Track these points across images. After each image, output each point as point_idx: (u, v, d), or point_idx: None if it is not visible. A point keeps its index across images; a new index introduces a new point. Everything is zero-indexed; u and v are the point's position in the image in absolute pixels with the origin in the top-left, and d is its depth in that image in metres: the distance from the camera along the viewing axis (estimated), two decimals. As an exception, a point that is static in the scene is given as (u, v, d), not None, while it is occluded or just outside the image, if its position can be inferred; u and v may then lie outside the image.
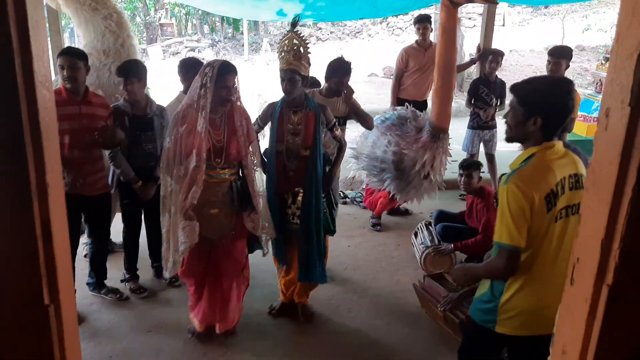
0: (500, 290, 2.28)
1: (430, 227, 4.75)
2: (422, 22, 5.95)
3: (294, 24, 3.35)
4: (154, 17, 21.55)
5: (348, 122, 4.43)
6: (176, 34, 21.82)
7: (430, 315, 3.82)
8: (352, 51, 15.49)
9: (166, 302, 4.09)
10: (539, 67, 15.52)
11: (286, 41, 3.29)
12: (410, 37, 21.22)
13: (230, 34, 22.19)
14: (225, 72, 3.06)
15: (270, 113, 3.52)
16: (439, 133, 4.23)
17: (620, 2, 0.99)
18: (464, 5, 4.14)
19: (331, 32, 22.31)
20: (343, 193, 6.03)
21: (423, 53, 5.93)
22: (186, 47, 19.92)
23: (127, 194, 3.95)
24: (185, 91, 3.84)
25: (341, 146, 3.72)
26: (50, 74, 0.86)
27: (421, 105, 6.04)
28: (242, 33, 20.76)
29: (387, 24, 22.69)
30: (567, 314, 1.14)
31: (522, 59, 16.49)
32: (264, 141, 3.69)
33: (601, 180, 1.02)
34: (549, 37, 17.31)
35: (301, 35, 3.29)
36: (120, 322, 3.80)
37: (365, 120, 4.35)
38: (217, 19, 21.10)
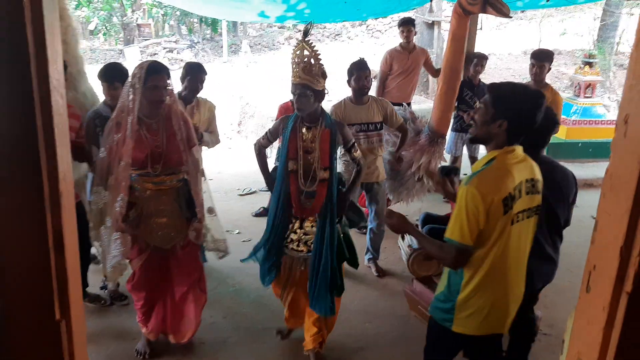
0: (457, 289, 2.32)
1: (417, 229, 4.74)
2: (407, 25, 5.97)
3: (305, 32, 3.04)
4: (131, 17, 21.26)
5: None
6: (154, 35, 21.56)
7: (420, 317, 3.82)
8: (332, 53, 15.48)
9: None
10: (517, 70, 15.72)
11: (297, 52, 2.99)
12: (389, 39, 21.34)
13: (208, 36, 22.02)
14: (153, 71, 2.93)
15: (283, 128, 3.21)
16: (437, 138, 4.25)
17: (641, 8, 0.99)
18: (476, 14, 4.16)
19: (311, 34, 22.28)
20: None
21: (407, 56, 5.95)
22: (164, 48, 19.70)
23: None
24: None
25: (360, 169, 3.37)
26: (63, 80, 0.82)
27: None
28: (220, 34, 20.61)
29: (367, 27, 22.75)
30: (583, 322, 1.13)
31: (501, 63, 16.68)
32: (271, 158, 3.55)
33: (620, 186, 1.01)
34: (526, 41, 17.53)
35: (313, 45, 3.00)
36: (105, 330, 3.72)
37: (402, 126, 4.21)
38: (195, 20, 20.92)
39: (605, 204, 1.06)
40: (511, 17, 4.03)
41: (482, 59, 5.82)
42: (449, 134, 6.08)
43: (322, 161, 3.10)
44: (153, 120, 3.02)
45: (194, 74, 4.10)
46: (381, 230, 4.53)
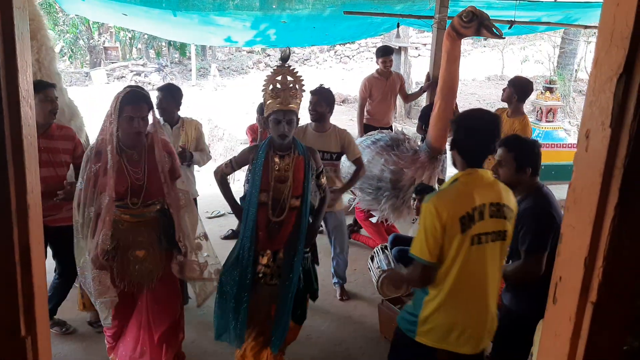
0: (420, 304, 2.41)
1: (386, 250, 4.76)
2: (388, 55, 6.12)
3: (284, 58, 2.95)
4: (98, 40, 21.08)
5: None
6: (121, 58, 21.41)
7: (390, 338, 3.81)
8: (301, 78, 15.62)
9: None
10: (482, 95, 16.11)
11: (279, 77, 2.90)
12: (358, 64, 21.67)
13: (177, 59, 21.98)
14: (129, 101, 2.74)
15: (253, 158, 3.05)
16: (437, 154, 4.32)
17: (599, 28, 1.03)
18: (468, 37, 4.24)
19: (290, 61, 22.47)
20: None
21: (384, 82, 6.14)
22: (132, 71, 19.55)
23: None
24: None
25: (325, 196, 3.29)
26: (33, 91, 0.81)
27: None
28: (189, 58, 20.59)
29: (335, 52, 23.07)
30: (550, 332, 1.15)
31: (466, 88, 17.07)
32: (236, 184, 3.47)
33: (583, 199, 1.05)
34: (489, 67, 18.03)
35: (295, 71, 2.95)
36: (68, 356, 3.60)
37: (359, 160, 4.19)
38: (164, 43, 20.85)
39: (570, 217, 1.09)
40: (503, 37, 4.13)
41: None
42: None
43: (295, 190, 2.99)
44: (134, 151, 2.87)
45: (172, 95, 4.08)
46: (344, 260, 4.55)
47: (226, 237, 5.79)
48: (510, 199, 2.42)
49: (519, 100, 4.88)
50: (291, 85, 2.91)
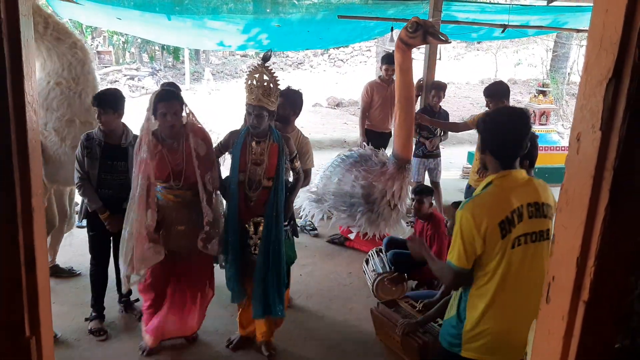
0: (464, 314, 2.32)
1: (381, 254, 4.79)
2: (391, 64, 6.13)
3: (265, 58, 3.31)
4: (91, 44, 21.04)
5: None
6: (114, 62, 21.36)
7: (386, 342, 3.83)
8: (295, 82, 15.63)
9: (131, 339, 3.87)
10: (475, 98, 16.17)
11: (256, 75, 3.25)
12: (351, 68, 21.73)
13: (170, 63, 21.97)
14: (161, 99, 3.25)
15: (232, 141, 3.49)
16: (404, 164, 4.34)
17: (588, 33, 1.06)
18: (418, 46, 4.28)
19: (274, 63, 22.42)
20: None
21: (386, 88, 6.20)
22: (125, 76, 19.49)
23: (95, 225, 3.78)
24: None
25: (299, 177, 3.73)
26: (37, 96, 0.83)
27: (387, 136, 6.25)
28: (182, 62, 20.57)
29: (329, 56, 23.12)
30: (544, 332, 1.17)
31: (459, 91, 17.16)
32: (224, 167, 3.63)
33: (574, 200, 1.07)
34: (483, 70, 18.13)
35: (272, 71, 3.29)
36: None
37: (300, 172, 3.91)
38: (157, 47, 20.84)
39: (562, 217, 1.12)
40: (450, 42, 4.16)
41: (439, 89, 5.98)
42: (412, 160, 6.22)
43: (268, 172, 3.39)
44: (173, 140, 3.35)
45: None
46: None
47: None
48: (548, 196, 2.33)
49: (492, 102, 4.86)
50: (265, 84, 3.24)
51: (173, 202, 3.44)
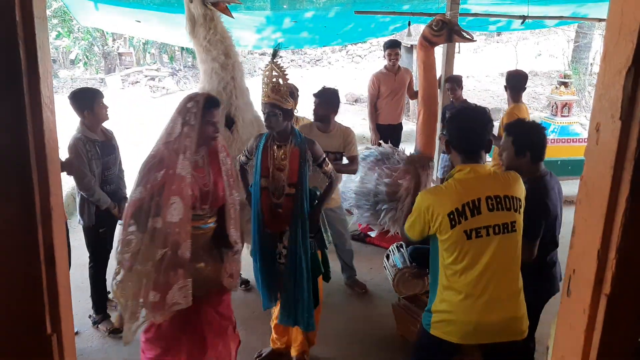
0: (432, 297, 2.50)
1: (401, 249, 4.76)
2: (393, 47, 6.08)
3: (274, 53, 3.15)
4: (112, 46, 21.30)
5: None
6: (135, 63, 21.60)
7: (408, 336, 3.82)
8: (313, 79, 15.63)
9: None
10: (495, 91, 16.01)
11: (266, 72, 3.12)
12: (370, 64, 21.63)
13: (190, 63, 22.12)
14: (211, 105, 2.69)
15: (255, 146, 3.32)
16: (427, 161, 4.36)
17: (607, 22, 1.04)
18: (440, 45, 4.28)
19: (292, 60, 22.51)
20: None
21: (393, 78, 6.07)
22: (146, 76, 19.72)
23: (105, 222, 3.92)
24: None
25: (332, 182, 3.43)
26: (53, 97, 0.84)
27: (397, 129, 6.16)
28: (202, 62, 20.67)
29: (347, 52, 23.06)
30: (565, 325, 1.16)
31: (479, 85, 16.98)
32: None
33: (594, 192, 1.05)
34: (503, 63, 17.89)
35: (281, 66, 3.11)
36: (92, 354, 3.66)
37: (355, 157, 4.29)
38: (177, 48, 20.99)
39: (582, 209, 1.10)
40: (475, 41, 4.17)
41: (454, 82, 5.88)
42: (440, 157, 6.16)
43: (290, 178, 3.20)
44: (198, 156, 2.73)
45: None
46: (347, 249, 4.70)
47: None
48: (517, 190, 2.42)
49: (511, 91, 5.12)
50: (274, 79, 3.10)
51: (193, 234, 2.64)
